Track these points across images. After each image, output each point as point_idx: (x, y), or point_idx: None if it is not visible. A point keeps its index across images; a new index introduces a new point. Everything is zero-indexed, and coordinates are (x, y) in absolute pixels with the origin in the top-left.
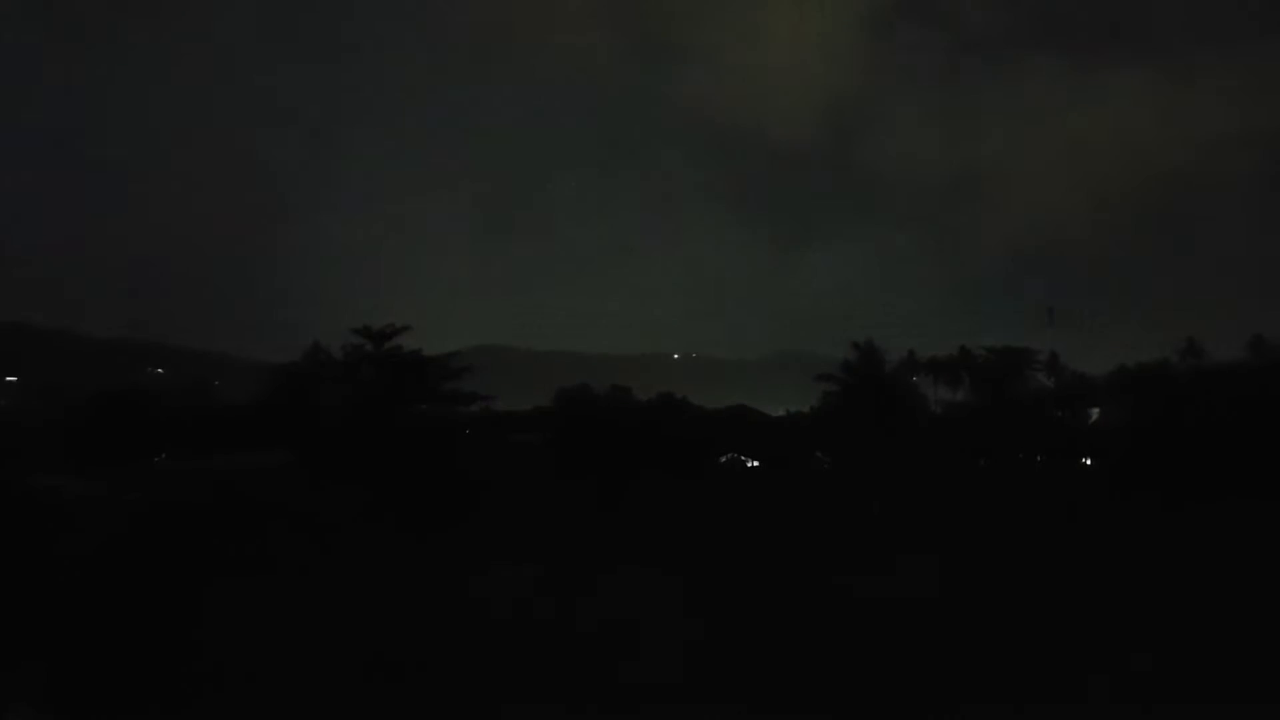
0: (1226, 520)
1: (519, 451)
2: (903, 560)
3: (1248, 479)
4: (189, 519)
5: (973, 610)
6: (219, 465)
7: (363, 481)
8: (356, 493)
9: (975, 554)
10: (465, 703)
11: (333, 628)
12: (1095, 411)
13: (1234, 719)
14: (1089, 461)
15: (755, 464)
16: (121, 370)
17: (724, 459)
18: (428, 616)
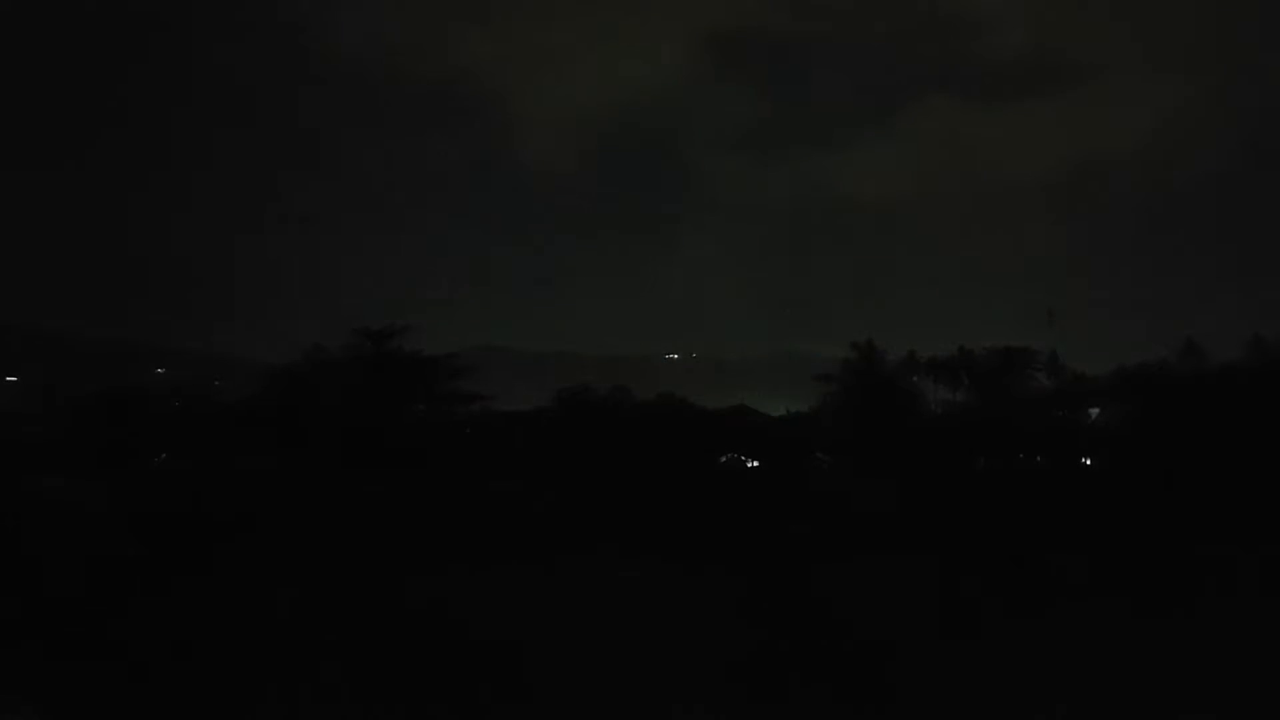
0: (1225, 520)
1: (518, 452)
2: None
3: (1248, 479)
4: (185, 519)
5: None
6: (218, 466)
7: (364, 481)
8: (358, 492)
9: (972, 553)
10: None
11: (333, 630)
12: (1095, 411)
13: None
14: (1089, 461)
15: (755, 464)
16: (121, 370)
17: (724, 459)
18: (429, 619)
